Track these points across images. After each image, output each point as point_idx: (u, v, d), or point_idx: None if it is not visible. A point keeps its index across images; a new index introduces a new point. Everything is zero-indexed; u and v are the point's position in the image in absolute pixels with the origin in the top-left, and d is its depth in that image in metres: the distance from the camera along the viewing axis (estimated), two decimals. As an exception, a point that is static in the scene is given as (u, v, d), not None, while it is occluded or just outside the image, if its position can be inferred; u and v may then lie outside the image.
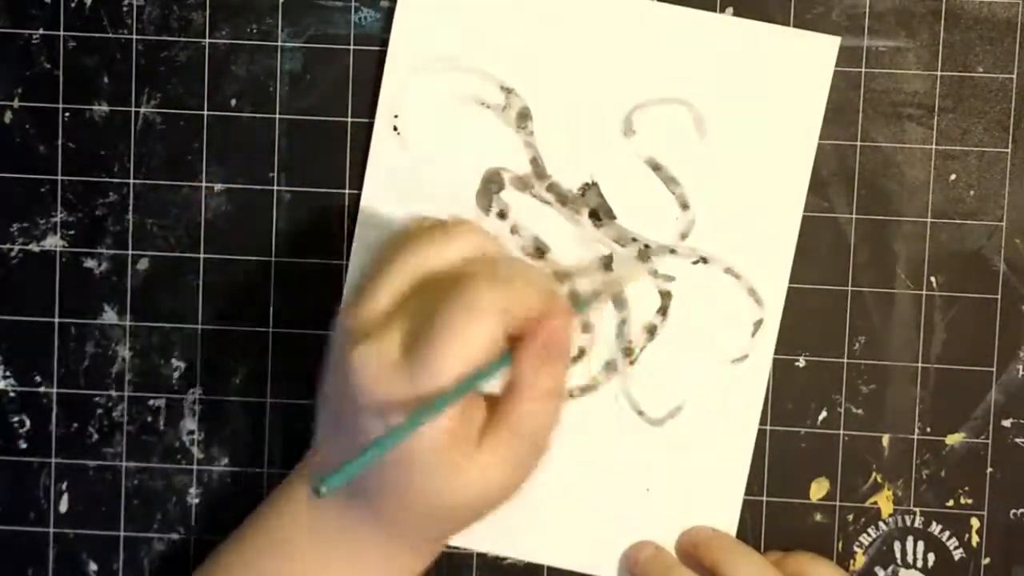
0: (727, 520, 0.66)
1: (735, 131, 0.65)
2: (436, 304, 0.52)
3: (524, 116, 0.66)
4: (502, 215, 0.66)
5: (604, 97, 0.65)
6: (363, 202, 0.66)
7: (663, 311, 0.66)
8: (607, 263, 0.66)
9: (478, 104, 0.66)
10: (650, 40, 0.65)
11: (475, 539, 0.66)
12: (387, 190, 0.66)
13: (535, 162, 0.66)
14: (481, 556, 0.67)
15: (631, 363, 0.66)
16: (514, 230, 0.66)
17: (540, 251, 0.66)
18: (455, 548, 0.67)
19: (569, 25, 0.65)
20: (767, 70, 0.65)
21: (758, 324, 0.65)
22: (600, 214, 0.66)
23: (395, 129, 0.66)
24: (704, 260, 0.65)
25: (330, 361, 0.55)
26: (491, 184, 0.66)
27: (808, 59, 0.65)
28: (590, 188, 0.66)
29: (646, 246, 0.65)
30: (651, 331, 0.66)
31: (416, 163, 0.66)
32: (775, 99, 0.65)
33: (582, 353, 0.66)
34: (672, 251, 0.65)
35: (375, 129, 0.66)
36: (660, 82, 0.65)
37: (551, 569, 0.67)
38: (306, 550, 0.57)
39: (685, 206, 0.65)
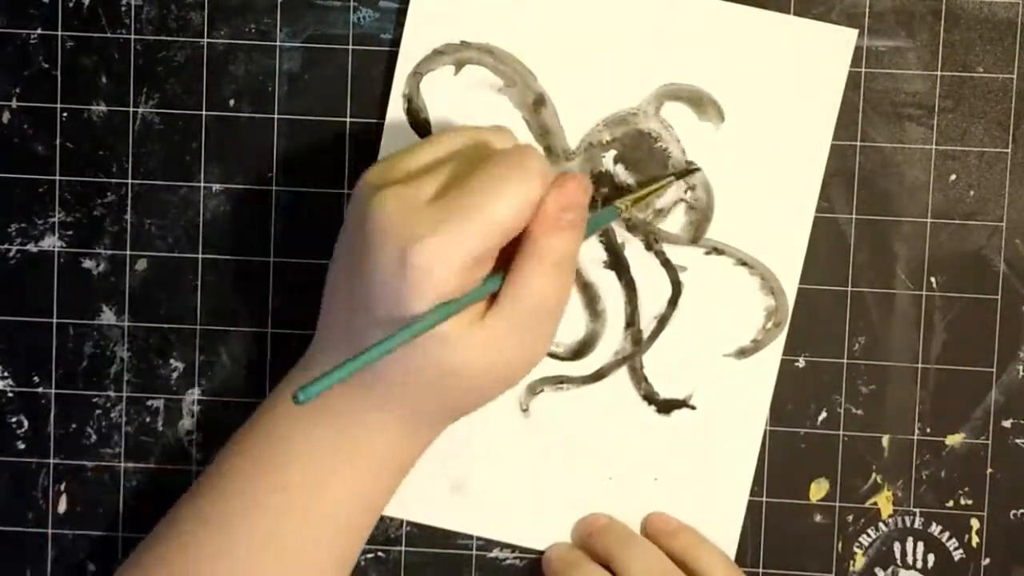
0: (733, 509, 0.66)
1: (751, 121, 0.65)
2: (473, 166, 0.53)
3: (539, 103, 0.65)
4: None
5: (619, 85, 0.65)
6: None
7: (674, 301, 0.66)
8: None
9: (493, 90, 0.65)
10: (666, 29, 0.65)
11: (478, 525, 0.67)
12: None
13: (549, 149, 0.66)
14: (480, 556, 0.67)
15: (641, 352, 0.66)
16: None
17: None
18: (455, 548, 0.67)
19: (584, 13, 0.65)
20: (783, 61, 0.65)
21: (769, 315, 0.65)
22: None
23: (408, 114, 0.65)
24: (717, 251, 0.65)
25: (347, 220, 0.56)
26: None
27: (825, 51, 0.65)
28: (604, 176, 0.66)
29: (658, 236, 0.65)
30: (661, 320, 0.66)
31: None
32: (791, 90, 0.65)
33: (592, 341, 0.66)
34: (685, 241, 0.65)
35: (388, 112, 0.66)
36: (675, 71, 0.65)
37: (551, 569, 0.67)
38: (305, 455, 0.56)
39: (700, 197, 0.65)
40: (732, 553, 0.66)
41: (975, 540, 0.66)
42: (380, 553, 0.67)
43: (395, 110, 0.65)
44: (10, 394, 0.68)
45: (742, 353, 0.65)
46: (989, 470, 0.66)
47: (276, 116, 0.66)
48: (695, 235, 0.65)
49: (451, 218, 0.51)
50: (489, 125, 0.57)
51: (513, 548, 0.67)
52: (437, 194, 0.52)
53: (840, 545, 0.66)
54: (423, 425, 0.57)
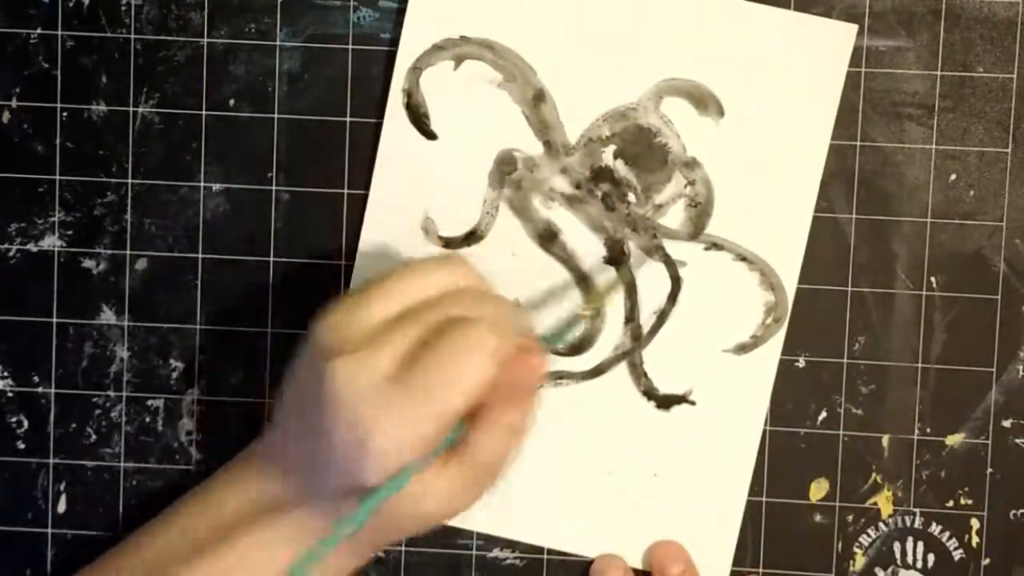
0: (733, 505, 0.66)
1: (751, 116, 0.65)
2: (431, 336, 0.53)
3: (539, 98, 0.65)
4: (513, 199, 0.66)
5: (619, 80, 0.65)
6: (374, 184, 0.66)
7: (673, 296, 0.66)
8: (619, 253, 0.66)
9: (492, 84, 0.65)
10: (665, 24, 0.65)
11: (477, 520, 0.67)
12: (399, 173, 0.66)
13: (549, 144, 0.66)
14: (480, 556, 0.67)
15: (640, 348, 0.66)
16: (526, 213, 0.66)
17: (552, 234, 0.66)
18: (455, 548, 0.67)
19: (584, 8, 0.65)
20: (784, 56, 0.65)
21: (769, 311, 0.65)
22: (613, 198, 0.66)
23: (407, 109, 0.66)
24: (717, 246, 0.65)
25: (300, 366, 0.56)
26: (504, 166, 0.66)
27: (825, 46, 0.65)
28: (603, 171, 0.66)
29: (658, 231, 0.65)
30: (661, 316, 0.66)
31: (428, 144, 0.66)
32: (791, 84, 0.65)
33: (591, 337, 0.66)
34: (685, 236, 0.65)
35: (387, 107, 0.66)
36: (675, 66, 0.65)
37: (551, 565, 0.67)
38: (251, 552, 0.57)
39: (699, 192, 0.65)
40: (731, 551, 0.66)
41: (975, 540, 0.66)
42: (380, 553, 0.67)
43: (395, 105, 0.65)
44: (10, 394, 0.68)
45: (742, 349, 0.65)
46: (989, 470, 0.66)
47: (276, 116, 0.66)
48: (695, 230, 0.65)
49: (408, 404, 0.52)
50: (440, 258, 0.58)
51: (513, 548, 0.67)
52: (392, 371, 0.53)
53: (840, 545, 0.66)
54: (371, 550, 0.59)
